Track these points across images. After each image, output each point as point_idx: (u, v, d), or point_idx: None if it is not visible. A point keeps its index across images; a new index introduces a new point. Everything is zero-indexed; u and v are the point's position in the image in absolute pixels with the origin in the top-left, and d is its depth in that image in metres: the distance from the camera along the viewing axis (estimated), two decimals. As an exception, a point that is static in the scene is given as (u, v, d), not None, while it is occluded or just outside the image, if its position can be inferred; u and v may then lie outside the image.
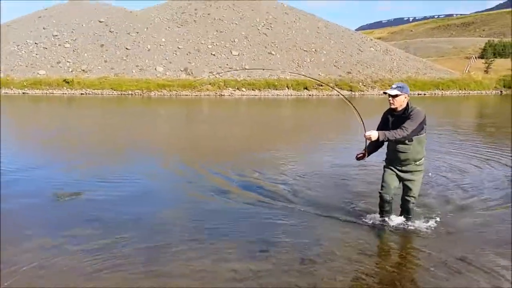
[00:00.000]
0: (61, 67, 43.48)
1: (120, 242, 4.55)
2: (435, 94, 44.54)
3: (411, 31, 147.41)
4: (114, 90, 39.33)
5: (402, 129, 4.53)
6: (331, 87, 5.63)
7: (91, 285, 3.65)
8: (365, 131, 4.59)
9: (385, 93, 4.73)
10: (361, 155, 5.01)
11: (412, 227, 4.96)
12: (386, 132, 4.58)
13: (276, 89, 41.74)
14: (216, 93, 39.83)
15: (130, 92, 38.92)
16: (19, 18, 55.24)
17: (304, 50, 49.36)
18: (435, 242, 4.62)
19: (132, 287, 3.62)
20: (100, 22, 50.35)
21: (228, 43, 48.48)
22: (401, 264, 4.24)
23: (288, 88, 42.20)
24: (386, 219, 5.07)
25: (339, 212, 5.56)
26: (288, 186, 6.95)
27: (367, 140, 4.68)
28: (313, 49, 49.79)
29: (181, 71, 43.46)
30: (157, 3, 58.65)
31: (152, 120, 19.42)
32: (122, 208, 5.82)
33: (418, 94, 42.96)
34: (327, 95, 41.38)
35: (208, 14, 52.93)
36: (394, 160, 4.87)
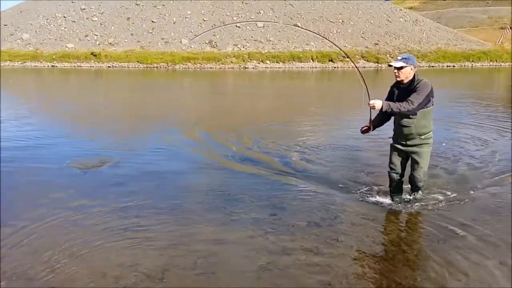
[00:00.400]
0: (88, 40, 44.21)
1: (142, 204, 4.86)
2: (465, 66, 43.27)
3: (445, 0, 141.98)
4: (140, 63, 39.86)
5: (408, 102, 4.30)
6: (344, 54, 5.27)
7: (113, 239, 3.96)
8: (369, 100, 4.37)
9: (390, 65, 4.53)
10: (366, 128, 4.79)
11: (420, 202, 4.86)
12: (391, 103, 4.35)
13: (301, 62, 41.41)
14: (240, 66, 39.83)
15: (155, 65, 39.36)
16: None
17: (331, 21, 48.52)
18: (440, 212, 4.66)
19: (153, 244, 3.90)
20: (127, -6, 50.61)
21: (253, 15, 48.06)
22: (404, 228, 4.40)
23: (313, 60, 41.78)
24: (395, 195, 4.95)
25: (348, 183, 5.69)
26: (302, 155, 7.12)
27: (371, 110, 4.45)
28: (340, 20, 48.87)
29: (206, 43, 43.52)
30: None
31: (177, 93, 19.73)
32: (145, 174, 6.13)
33: (447, 66, 41.88)
34: (352, 67, 40.75)
35: (234, -15, 52.37)
36: (399, 135, 4.68)
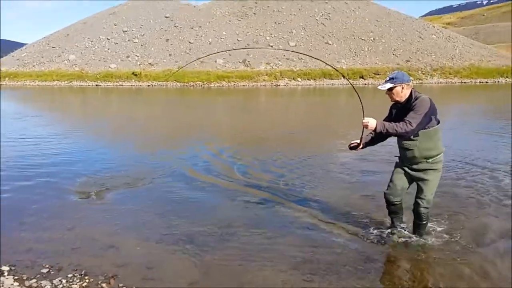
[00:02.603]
0: (130, 60, 46.79)
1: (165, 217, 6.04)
2: (498, 82, 42.89)
3: (483, 15, 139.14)
4: (178, 82, 41.84)
5: (405, 122, 3.92)
6: (339, 73, 5.42)
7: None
8: (363, 117, 4.04)
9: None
10: (355, 144, 4.42)
11: (418, 238, 4.45)
12: (386, 123, 3.98)
13: (332, 79, 42.28)
14: (272, 83, 41.12)
15: (192, 84, 41.24)
16: (94, 15, 59.59)
17: (362, 39, 49.28)
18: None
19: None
20: (166, 17, 53.24)
21: (285, 34, 49.53)
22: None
23: (344, 78, 42.47)
24: (394, 223, 4.65)
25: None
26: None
27: (364, 128, 4.08)
28: (372, 38, 49.56)
29: (240, 62, 45.18)
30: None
31: (209, 109, 21.12)
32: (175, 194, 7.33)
33: (480, 82, 41.64)
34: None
35: (268, 6, 54.17)
36: (403, 159, 4.30)
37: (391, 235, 4.58)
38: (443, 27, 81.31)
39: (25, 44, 60.74)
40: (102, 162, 8.56)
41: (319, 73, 43.00)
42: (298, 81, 42.18)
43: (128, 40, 49.99)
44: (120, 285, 3.63)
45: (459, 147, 9.38)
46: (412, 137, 4.03)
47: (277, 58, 45.75)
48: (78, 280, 3.72)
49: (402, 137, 4.07)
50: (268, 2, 55.03)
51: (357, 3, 56.81)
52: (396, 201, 4.44)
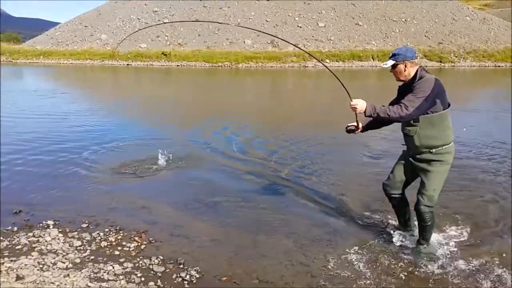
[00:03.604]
0: (160, 41, 47.44)
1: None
2: (535, 65, 41.53)
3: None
4: (206, 62, 42.26)
5: (401, 105, 3.43)
6: (315, 58, 4.38)
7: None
8: (351, 99, 3.57)
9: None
10: (352, 126, 3.97)
11: (425, 245, 3.94)
12: (378, 106, 3.48)
13: (361, 60, 41.84)
14: (300, 65, 41.07)
15: (220, 64, 41.61)
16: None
17: (393, 20, 48.34)
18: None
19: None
20: (195, -3, 53.50)
21: (315, 14, 49.06)
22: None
23: (373, 59, 42.06)
24: (399, 220, 4.27)
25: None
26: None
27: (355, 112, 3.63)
28: (403, 19, 48.55)
29: (268, 43, 45.18)
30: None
31: (238, 90, 21.57)
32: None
33: (515, 66, 40.45)
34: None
35: (297, -14, 53.63)
36: (408, 147, 3.84)
37: (392, 237, 4.15)
38: (480, 8, 78.67)
39: (59, 23, 62.21)
40: (141, 133, 9.16)
41: (348, 55, 42.59)
42: (327, 62, 41.93)
43: (158, 20, 50.55)
44: (151, 239, 4.14)
45: None
46: (412, 121, 3.55)
47: (305, 39, 45.49)
48: (114, 234, 4.25)
49: (399, 121, 3.57)
50: (298, -18, 54.44)
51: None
52: (394, 194, 3.96)
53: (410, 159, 3.77)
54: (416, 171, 3.76)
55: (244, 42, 45.40)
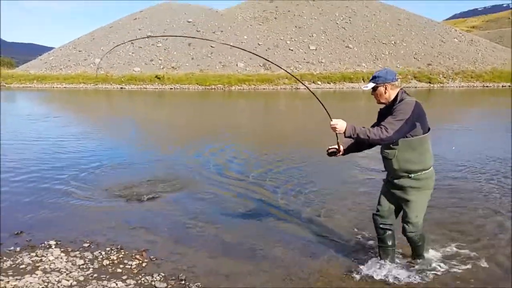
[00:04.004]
0: (153, 64, 47.98)
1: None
2: (522, 85, 42.46)
3: (509, 18, 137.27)
4: (200, 85, 42.74)
5: (381, 127, 3.39)
6: (296, 79, 4.44)
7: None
8: (331, 119, 3.49)
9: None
10: (333, 149, 3.88)
11: (422, 260, 3.96)
12: (358, 127, 3.42)
13: (352, 82, 42.53)
14: (292, 87, 41.62)
15: (213, 87, 42.06)
16: (119, 20, 61.24)
17: (383, 43, 49.38)
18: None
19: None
20: (188, 22, 54.42)
21: (306, 38, 50.01)
22: None
23: (363, 81, 42.72)
24: (382, 248, 3.94)
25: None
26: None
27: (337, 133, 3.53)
28: (392, 42, 49.62)
29: (260, 66, 45.84)
30: (240, 2, 61.64)
31: (229, 111, 21.80)
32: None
33: (503, 86, 41.28)
34: (405, 86, 41.25)
35: (288, 11, 54.81)
36: (387, 170, 3.78)
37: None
38: (467, 30, 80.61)
39: (53, 48, 62.74)
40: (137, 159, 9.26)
41: (339, 77, 43.32)
42: (318, 84, 42.54)
43: (152, 44, 51.23)
44: (151, 257, 4.23)
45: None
46: (391, 145, 3.49)
47: (297, 61, 46.26)
48: (115, 252, 4.33)
49: (379, 144, 3.54)
50: (289, 6, 55.66)
51: (378, 6, 56.94)
52: (383, 224, 3.81)
53: (389, 186, 3.73)
54: (397, 199, 3.71)
55: (236, 65, 46.04)
